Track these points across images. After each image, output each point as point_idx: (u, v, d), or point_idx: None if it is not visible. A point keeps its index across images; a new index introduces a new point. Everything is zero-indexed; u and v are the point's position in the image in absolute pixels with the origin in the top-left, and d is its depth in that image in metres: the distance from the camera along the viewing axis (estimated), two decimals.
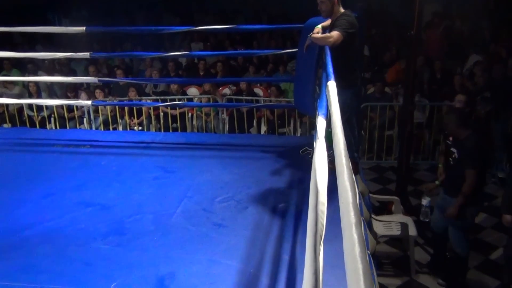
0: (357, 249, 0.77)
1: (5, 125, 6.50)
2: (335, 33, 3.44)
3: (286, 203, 3.44)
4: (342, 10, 3.67)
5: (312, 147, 4.31)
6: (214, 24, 7.44)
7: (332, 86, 2.31)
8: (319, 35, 3.54)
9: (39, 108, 6.61)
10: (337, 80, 2.49)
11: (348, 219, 0.92)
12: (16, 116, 6.68)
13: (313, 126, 5.77)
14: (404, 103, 5.43)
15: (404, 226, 4.54)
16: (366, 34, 8.00)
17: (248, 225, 3.16)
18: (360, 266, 0.74)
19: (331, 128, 2.27)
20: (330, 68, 2.82)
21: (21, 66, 8.22)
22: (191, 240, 3.00)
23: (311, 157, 4.11)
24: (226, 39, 10.39)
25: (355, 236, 0.82)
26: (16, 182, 3.85)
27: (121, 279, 2.60)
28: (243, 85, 6.93)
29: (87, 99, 6.06)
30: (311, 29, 3.75)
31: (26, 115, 6.71)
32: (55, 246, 2.94)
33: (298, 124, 6.55)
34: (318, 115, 2.36)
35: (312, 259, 1.20)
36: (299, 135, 6.40)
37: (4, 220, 3.27)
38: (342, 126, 1.71)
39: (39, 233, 3.09)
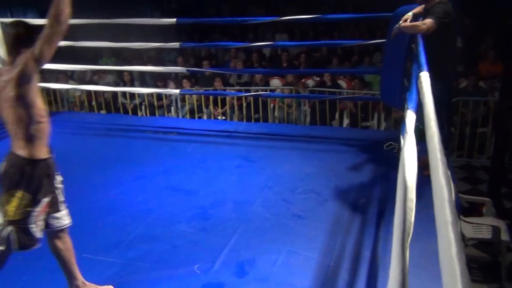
0: (454, 249, 0.73)
1: (101, 111, 6.99)
2: (428, 21, 3.26)
3: (368, 198, 3.36)
4: None
5: (397, 142, 4.17)
6: (298, 15, 7.41)
7: (425, 77, 2.21)
8: (409, 23, 3.38)
9: (132, 96, 7.02)
10: (430, 72, 2.38)
11: (443, 217, 0.88)
12: (111, 103, 7.15)
13: (398, 121, 5.56)
14: (501, 98, 5.05)
15: (495, 230, 4.24)
16: (460, 24, 7.51)
17: (328, 218, 3.13)
18: (457, 267, 0.70)
19: (419, 123, 2.18)
20: (422, 58, 2.70)
21: (117, 56, 8.78)
22: (271, 229, 3.03)
23: (397, 152, 4.01)
24: (311, 30, 10.30)
25: (452, 235, 0.78)
26: (111, 164, 4.14)
27: (203, 261, 2.70)
28: (326, 77, 6.84)
29: (175, 89, 6.33)
30: (401, 17, 3.60)
31: (120, 102, 7.16)
32: (145, 226, 3.12)
33: (382, 117, 6.35)
34: (407, 109, 2.27)
35: (399, 257, 1.17)
36: (383, 129, 6.19)
37: (102, 199, 3.54)
38: (436, 119, 1.62)
39: (131, 213, 3.30)
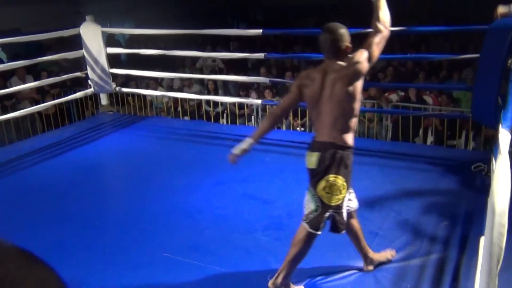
0: None
1: (186, 118, 7.29)
2: None
3: (451, 221, 3.18)
4: None
5: (486, 163, 3.92)
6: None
7: None
8: None
9: (215, 104, 7.26)
10: None
11: None
12: (196, 111, 7.44)
13: (489, 140, 5.22)
14: None
15: None
16: None
17: (407, 238, 3.02)
18: None
19: None
20: None
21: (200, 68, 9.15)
22: (346, 246, 2.97)
23: (485, 174, 3.76)
24: (397, 43, 10.03)
25: None
26: (192, 169, 4.30)
27: (276, 271, 2.71)
28: (411, 92, 6.61)
29: (257, 98, 6.45)
30: (499, 31, 3.41)
31: (203, 110, 7.44)
32: (221, 231, 3.21)
33: (471, 136, 5.99)
34: (500, 128, 2.14)
35: (487, 284, 1.11)
36: (471, 149, 5.85)
37: (182, 202, 3.69)
38: None
39: (208, 218, 3.41)
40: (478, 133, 5.83)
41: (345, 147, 2.40)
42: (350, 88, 2.32)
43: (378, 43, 2.41)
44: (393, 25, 5.24)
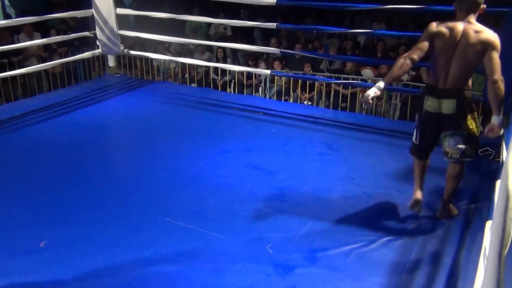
0: None
1: (193, 85, 7.22)
2: None
3: (456, 204, 3.16)
4: None
5: (494, 148, 3.87)
6: (399, 4, 7.07)
7: None
8: None
9: (223, 72, 7.17)
10: None
11: None
12: (203, 78, 7.37)
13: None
14: None
15: None
16: None
17: (410, 218, 3.01)
18: None
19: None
20: None
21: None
22: (348, 221, 2.98)
23: (493, 159, 3.71)
24: (411, 21, 9.82)
25: None
26: (197, 136, 4.28)
27: (277, 242, 2.73)
28: (422, 71, 6.50)
29: (266, 69, 6.36)
30: None
31: (211, 78, 7.36)
32: (223, 199, 3.21)
33: (479, 121, 5.91)
34: None
35: (495, 269, 1.09)
36: (478, 133, 5.78)
37: (185, 168, 3.68)
38: None
39: (211, 186, 3.40)
40: (487, 117, 5.75)
41: (469, 91, 2.85)
42: (481, 53, 2.64)
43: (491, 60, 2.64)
44: (411, 3, 5.09)
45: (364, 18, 10.58)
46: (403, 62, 2.80)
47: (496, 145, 3.78)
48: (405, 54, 2.85)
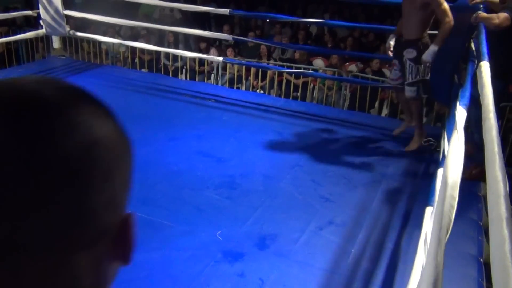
0: (507, 246, 0.69)
1: (143, 70, 7.05)
2: (503, 15, 3.15)
3: (399, 192, 3.30)
4: None
5: (436, 138, 4.05)
6: None
7: (485, 67, 2.10)
8: (485, 15, 3.25)
9: (174, 58, 7.04)
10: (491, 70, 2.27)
11: (497, 213, 0.84)
12: (154, 63, 7.21)
13: (440, 116, 5.40)
14: None
15: None
16: None
17: (356, 205, 3.10)
18: (510, 264, 0.66)
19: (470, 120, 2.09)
20: (484, 48, 2.58)
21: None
22: (296, 208, 3.03)
23: (434, 149, 3.88)
24: (361, 13, 10.03)
25: (506, 231, 0.74)
26: (147, 122, 4.19)
27: (226, 229, 2.73)
28: (373, 64, 6.67)
29: (218, 56, 6.31)
30: (463, 8, 3.46)
31: (162, 63, 7.21)
32: (173, 186, 3.17)
33: (424, 112, 6.17)
34: (458, 105, 2.19)
35: (434, 253, 1.14)
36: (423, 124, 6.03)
37: (134, 155, 3.59)
38: (494, 110, 1.54)
39: (160, 172, 3.35)
40: (430, 109, 6.01)
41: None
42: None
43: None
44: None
45: (316, 8, 10.71)
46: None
47: (438, 136, 3.95)
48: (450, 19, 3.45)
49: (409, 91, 3.82)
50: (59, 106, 0.37)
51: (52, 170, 0.34)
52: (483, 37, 2.84)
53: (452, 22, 3.46)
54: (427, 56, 3.60)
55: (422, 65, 3.72)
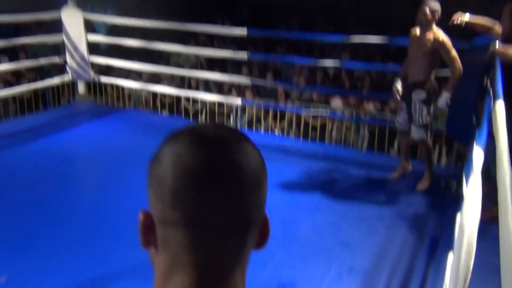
0: None
1: (164, 111, 7.21)
2: None
3: (420, 236, 3.24)
4: None
5: (457, 179, 3.99)
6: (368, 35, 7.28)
7: (500, 106, 2.10)
8: (503, 49, 3.27)
9: (194, 100, 7.20)
10: (506, 102, 2.28)
11: (510, 264, 0.83)
12: (174, 105, 7.37)
13: (461, 156, 5.33)
14: None
15: None
16: None
17: (376, 250, 3.05)
18: None
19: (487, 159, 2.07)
20: (499, 86, 2.58)
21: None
22: (316, 253, 3.00)
23: (455, 191, 3.82)
24: (378, 53, 10.15)
25: None
26: None
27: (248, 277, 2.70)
28: (391, 103, 6.69)
29: (237, 97, 6.43)
30: (479, 48, 3.49)
31: (183, 106, 7.36)
32: None
33: (444, 152, 6.11)
34: (475, 145, 2.18)
35: None
36: (443, 164, 5.96)
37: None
38: (507, 154, 1.53)
39: None
40: (450, 149, 5.95)
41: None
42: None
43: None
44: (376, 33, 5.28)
45: (333, 47, 10.88)
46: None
47: (459, 177, 3.89)
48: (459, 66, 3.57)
49: (418, 133, 3.83)
50: (236, 140, 0.61)
51: (249, 178, 0.58)
52: (498, 74, 2.84)
53: (461, 68, 3.55)
54: (442, 103, 3.66)
55: (432, 107, 3.75)
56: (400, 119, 4.02)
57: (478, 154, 2.01)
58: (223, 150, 0.58)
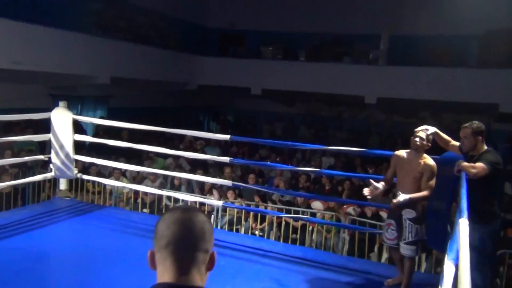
0: None
1: (144, 210, 7.18)
2: (479, 165, 3.36)
3: None
4: (485, 147, 3.64)
5: (435, 287, 3.96)
6: (347, 142, 7.60)
7: (463, 225, 2.20)
8: (466, 164, 3.46)
9: (176, 199, 7.22)
10: (473, 215, 2.37)
11: None
12: (156, 204, 7.36)
13: (439, 263, 5.33)
14: None
15: None
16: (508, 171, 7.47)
17: None
18: None
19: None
20: (464, 204, 2.70)
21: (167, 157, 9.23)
22: None
23: None
24: (358, 157, 10.50)
25: None
26: (141, 268, 4.14)
27: None
28: (368, 208, 6.81)
29: (218, 198, 6.49)
30: (448, 161, 3.68)
31: (164, 204, 7.37)
32: None
33: (423, 257, 6.11)
34: (447, 258, 2.23)
35: None
36: (423, 270, 5.93)
37: None
38: (470, 270, 1.59)
39: None
40: (430, 254, 5.97)
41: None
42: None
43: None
44: (354, 142, 5.53)
45: (314, 151, 11.25)
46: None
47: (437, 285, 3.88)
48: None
49: (407, 250, 3.86)
50: (194, 213, 1.31)
51: (197, 227, 1.28)
52: (463, 190, 2.98)
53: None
54: (399, 200, 3.78)
55: (422, 225, 3.82)
56: (389, 236, 4.01)
57: (449, 268, 2.06)
58: (187, 217, 1.29)
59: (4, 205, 6.55)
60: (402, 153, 4.03)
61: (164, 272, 1.25)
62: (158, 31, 13.26)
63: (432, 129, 3.91)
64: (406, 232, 3.84)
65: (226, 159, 5.10)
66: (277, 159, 10.34)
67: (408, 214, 3.85)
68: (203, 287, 1.26)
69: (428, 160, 3.84)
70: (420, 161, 3.84)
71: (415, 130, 3.92)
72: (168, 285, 1.22)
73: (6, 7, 7.98)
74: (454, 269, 2.13)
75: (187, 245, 1.23)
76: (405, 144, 4.54)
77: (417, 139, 3.84)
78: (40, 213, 5.42)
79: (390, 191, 4.30)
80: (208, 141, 10.35)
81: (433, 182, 3.76)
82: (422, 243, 3.87)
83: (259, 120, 15.64)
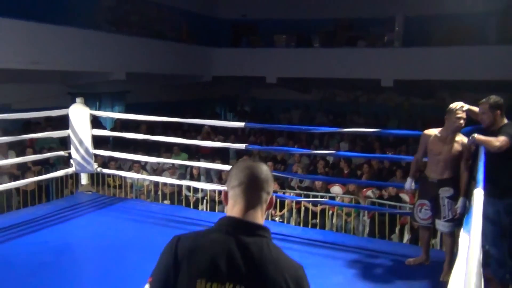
0: None
1: (165, 201, 7.27)
2: (502, 139, 3.29)
3: None
4: (505, 121, 3.55)
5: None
6: (366, 126, 7.55)
7: (478, 195, 2.18)
8: (484, 137, 3.39)
9: (196, 189, 7.30)
10: (489, 187, 2.34)
11: None
12: (176, 195, 7.45)
13: None
14: None
15: None
16: None
17: None
18: None
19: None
20: (480, 175, 2.67)
21: (188, 151, 9.32)
22: None
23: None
24: (376, 141, 10.41)
25: None
26: None
27: None
28: (390, 189, 6.76)
29: None
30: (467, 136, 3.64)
31: (184, 195, 7.45)
32: None
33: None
34: (462, 230, 2.22)
35: None
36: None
37: None
38: (486, 243, 1.57)
39: None
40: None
41: None
42: None
43: None
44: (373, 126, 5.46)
45: (332, 137, 11.19)
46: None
47: None
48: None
49: (446, 227, 3.82)
50: (259, 165, 1.54)
51: (264, 175, 1.54)
52: (481, 164, 2.94)
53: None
54: (461, 208, 3.68)
55: (459, 201, 3.74)
56: (423, 216, 3.96)
57: (464, 239, 2.05)
58: (256, 165, 1.50)
59: (29, 202, 6.71)
60: (435, 131, 3.89)
61: (235, 206, 1.46)
62: (171, 25, 13.32)
63: (466, 106, 3.82)
64: (445, 210, 3.77)
65: (242, 146, 5.13)
66: (295, 146, 10.33)
67: (445, 192, 3.78)
68: (262, 225, 1.46)
69: (465, 139, 3.73)
70: (458, 139, 3.74)
71: (452, 108, 3.75)
72: (235, 219, 1.44)
73: (22, 9, 8.13)
74: (468, 239, 2.11)
75: (255, 185, 1.46)
76: (425, 125, 4.47)
77: (462, 120, 3.70)
78: (63, 208, 5.55)
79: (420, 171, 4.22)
80: (226, 136, 10.39)
81: (470, 161, 3.68)
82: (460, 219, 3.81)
83: (275, 109, 15.59)
